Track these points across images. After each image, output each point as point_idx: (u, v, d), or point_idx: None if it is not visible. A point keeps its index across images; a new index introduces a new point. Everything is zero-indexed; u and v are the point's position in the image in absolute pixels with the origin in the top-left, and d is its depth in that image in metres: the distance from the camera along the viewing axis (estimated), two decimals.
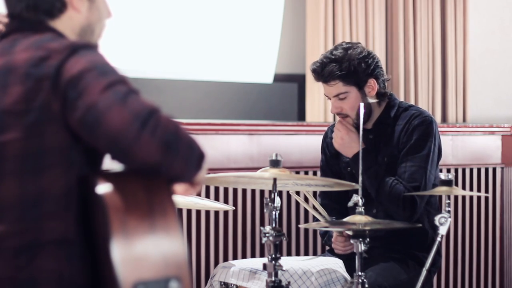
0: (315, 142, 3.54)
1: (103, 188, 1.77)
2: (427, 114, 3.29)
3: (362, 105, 3.02)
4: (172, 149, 1.78)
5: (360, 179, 2.83)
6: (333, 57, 3.25)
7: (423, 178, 3.18)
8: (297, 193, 3.86)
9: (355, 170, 3.21)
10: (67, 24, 1.97)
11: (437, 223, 2.86)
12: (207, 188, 4.23)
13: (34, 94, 1.81)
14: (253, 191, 4.38)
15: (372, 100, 3.29)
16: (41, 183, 1.81)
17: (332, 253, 3.33)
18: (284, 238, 2.65)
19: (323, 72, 3.25)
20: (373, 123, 3.33)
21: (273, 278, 2.63)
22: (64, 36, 1.94)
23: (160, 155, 1.77)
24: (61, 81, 1.80)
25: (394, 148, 3.27)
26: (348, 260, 3.18)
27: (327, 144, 3.46)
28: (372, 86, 3.27)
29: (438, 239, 2.88)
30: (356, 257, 2.75)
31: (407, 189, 3.16)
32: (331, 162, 3.44)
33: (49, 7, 1.95)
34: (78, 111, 1.77)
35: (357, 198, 2.80)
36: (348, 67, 3.23)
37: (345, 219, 2.83)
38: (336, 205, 3.38)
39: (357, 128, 3.21)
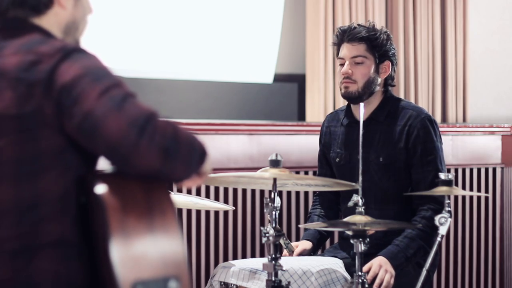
0: (315, 142, 3.53)
1: (101, 188, 1.77)
2: (425, 113, 3.26)
3: (362, 105, 3.01)
4: (171, 154, 1.76)
5: (360, 179, 2.82)
6: (364, 25, 3.28)
7: None
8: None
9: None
10: (53, 21, 1.94)
11: (437, 223, 2.86)
12: (207, 188, 4.23)
13: (26, 99, 1.78)
14: (253, 191, 4.38)
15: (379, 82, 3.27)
16: (37, 187, 1.79)
17: (332, 253, 3.33)
18: (284, 238, 2.64)
19: (351, 32, 3.24)
20: (366, 117, 3.29)
21: (273, 278, 2.63)
22: (52, 35, 1.91)
23: (159, 162, 1.75)
24: (53, 86, 1.77)
25: (392, 149, 3.23)
26: (348, 260, 3.19)
27: (323, 132, 3.44)
28: (386, 68, 3.28)
29: (438, 239, 2.87)
30: (356, 257, 2.75)
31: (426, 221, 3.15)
32: (325, 150, 3.42)
33: (35, 3, 1.92)
34: (75, 118, 1.75)
35: (357, 198, 2.79)
36: (377, 36, 3.24)
37: (345, 219, 2.82)
38: (332, 196, 3.39)
39: (357, 97, 3.22)
